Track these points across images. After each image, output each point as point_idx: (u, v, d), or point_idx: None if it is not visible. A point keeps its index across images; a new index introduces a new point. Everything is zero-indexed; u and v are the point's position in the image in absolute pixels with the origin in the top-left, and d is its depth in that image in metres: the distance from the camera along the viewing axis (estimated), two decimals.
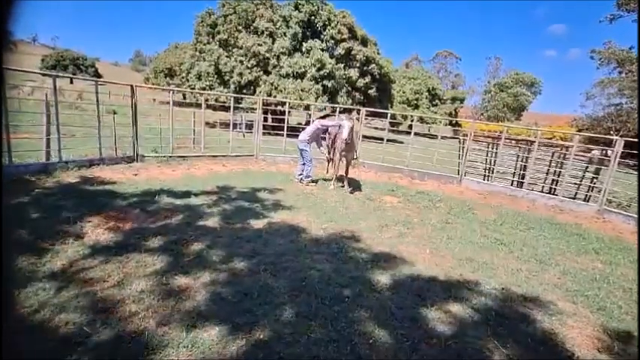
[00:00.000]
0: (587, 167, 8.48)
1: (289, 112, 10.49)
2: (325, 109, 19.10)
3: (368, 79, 22.29)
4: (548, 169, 8.88)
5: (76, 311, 2.36)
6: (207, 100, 13.65)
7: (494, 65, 53.57)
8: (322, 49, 19.73)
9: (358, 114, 9.49)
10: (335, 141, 6.91)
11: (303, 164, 7.05)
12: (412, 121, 20.99)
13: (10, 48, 0.43)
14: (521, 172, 8.73)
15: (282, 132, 9.63)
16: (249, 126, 14.32)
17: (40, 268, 2.83)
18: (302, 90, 18.68)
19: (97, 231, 3.66)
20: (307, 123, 12.59)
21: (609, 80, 27.78)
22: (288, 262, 3.38)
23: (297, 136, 7.15)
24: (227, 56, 19.82)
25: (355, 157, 7.09)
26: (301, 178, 7.06)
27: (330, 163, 7.62)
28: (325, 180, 7.39)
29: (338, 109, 9.83)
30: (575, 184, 8.44)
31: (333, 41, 20.44)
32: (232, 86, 19.51)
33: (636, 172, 9.52)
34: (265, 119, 13.85)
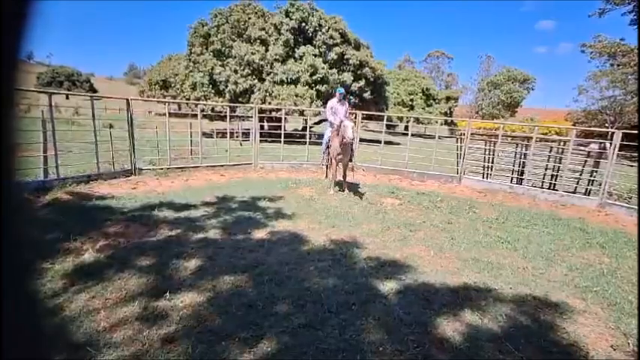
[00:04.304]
0: (585, 161, 8.48)
1: (285, 118, 10.48)
2: (320, 113, 19.14)
3: (362, 82, 22.33)
4: (547, 165, 8.88)
5: (78, 331, 2.30)
6: (203, 110, 13.65)
7: (486, 63, 53.85)
8: (315, 55, 19.81)
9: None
10: (330, 144, 6.83)
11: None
12: (408, 122, 21.04)
13: (20, 69, 0.43)
14: (520, 168, 8.73)
15: (279, 139, 9.61)
16: (247, 134, 14.31)
17: (40, 288, 2.77)
18: (296, 95, 18.72)
19: (96, 247, 3.60)
20: (304, 129, 12.58)
21: (601, 73, 28.00)
22: (292, 271, 3.34)
23: (295, 142, 7.13)
24: (221, 66, 19.89)
25: (351, 160, 7.01)
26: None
27: (329, 168, 7.58)
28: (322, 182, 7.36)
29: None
30: (575, 178, 8.43)
31: (325, 46, 20.51)
32: (228, 95, 19.56)
33: (634, 164, 9.55)
34: (262, 126, 13.84)
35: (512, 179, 8.80)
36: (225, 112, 10.12)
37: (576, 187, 8.31)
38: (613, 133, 7.34)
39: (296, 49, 19.89)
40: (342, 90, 7.01)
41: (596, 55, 27.55)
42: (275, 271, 3.30)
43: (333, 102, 6.83)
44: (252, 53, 19.36)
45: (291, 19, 19.89)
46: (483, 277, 3.48)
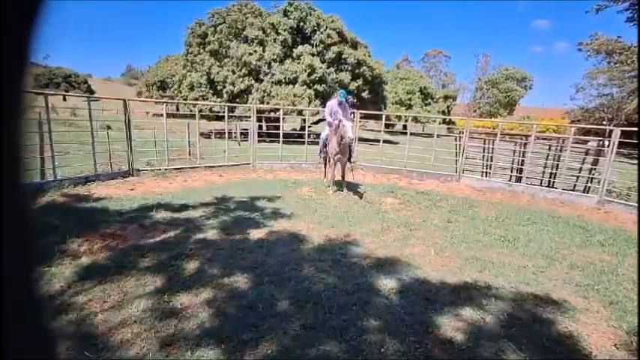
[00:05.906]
0: (584, 159, 8.49)
1: (283, 118, 10.45)
2: (318, 113, 19.10)
3: (360, 81, 22.32)
4: (546, 163, 8.88)
5: (76, 335, 2.27)
6: (200, 110, 13.59)
7: (483, 62, 53.92)
8: (312, 54, 19.78)
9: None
10: (327, 144, 6.80)
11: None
12: (406, 121, 21.03)
13: (30, 73, 0.42)
14: (519, 166, 8.73)
15: (277, 139, 9.57)
16: (245, 134, 14.27)
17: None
18: (294, 95, 18.69)
19: (94, 249, 3.57)
20: (302, 129, 12.54)
21: (598, 71, 28.02)
22: (292, 272, 3.31)
23: (293, 142, 7.08)
24: (219, 66, 19.84)
25: (352, 161, 6.97)
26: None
27: (327, 168, 7.55)
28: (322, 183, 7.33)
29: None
30: (574, 176, 8.44)
31: (323, 46, 20.47)
32: (225, 96, 19.51)
33: (633, 161, 9.55)
34: (260, 127, 13.80)
35: (511, 177, 8.80)
36: (223, 113, 10.08)
37: (575, 185, 8.31)
38: (611, 130, 7.34)
39: (294, 49, 19.85)
40: (344, 92, 6.88)
41: (593, 54, 27.55)
42: (275, 272, 3.27)
43: (331, 103, 6.79)
44: (250, 54, 19.31)
45: (289, 19, 19.85)
46: (484, 276, 3.46)
